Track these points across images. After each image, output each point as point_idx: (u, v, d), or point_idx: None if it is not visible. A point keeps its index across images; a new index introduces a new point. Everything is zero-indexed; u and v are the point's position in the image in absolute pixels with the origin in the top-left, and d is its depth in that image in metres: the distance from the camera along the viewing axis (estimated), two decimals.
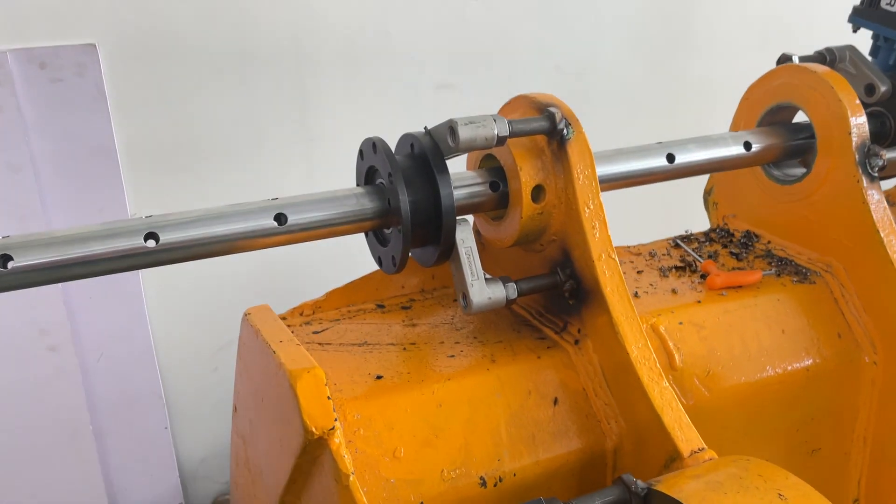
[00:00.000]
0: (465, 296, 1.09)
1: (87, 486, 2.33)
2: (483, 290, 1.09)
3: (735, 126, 1.49)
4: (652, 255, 1.46)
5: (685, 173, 1.30)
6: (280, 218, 1.03)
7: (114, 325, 2.29)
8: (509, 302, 1.11)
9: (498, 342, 1.16)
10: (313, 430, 0.90)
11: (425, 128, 1.12)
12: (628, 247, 1.49)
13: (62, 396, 2.23)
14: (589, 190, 1.10)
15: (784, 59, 1.42)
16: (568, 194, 1.11)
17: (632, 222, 1.69)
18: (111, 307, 2.27)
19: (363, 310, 1.26)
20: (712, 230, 1.55)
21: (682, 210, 1.84)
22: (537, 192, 1.12)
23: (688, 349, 1.21)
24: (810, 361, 1.27)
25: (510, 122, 1.06)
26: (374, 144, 1.10)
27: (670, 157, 1.27)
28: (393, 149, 1.15)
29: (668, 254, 1.46)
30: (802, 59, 1.44)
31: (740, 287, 1.31)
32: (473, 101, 2.54)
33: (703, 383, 1.21)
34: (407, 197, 1.04)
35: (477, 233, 1.28)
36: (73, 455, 2.28)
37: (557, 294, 1.16)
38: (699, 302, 1.27)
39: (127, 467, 2.43)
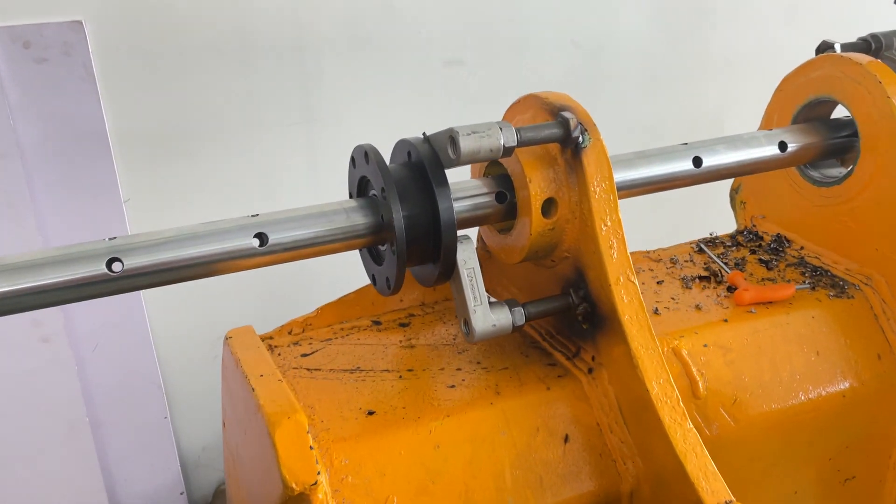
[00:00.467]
0: (467, 322, 0.98)
1: (85, 478, 2.27)
2: (487, 317, 0.98)
3: (768, 120, 1.36)
4: (673, 261, 1.34)
5: (713, 177, 1.18)
6: (261, 237, 0.92)
7: (109, 314, 2.21)
8: (516, 328, 1.00)
9: (503, 369, 1.06)
10: (293, 485, 0.80)
11: (424, 134, 1.00)
12: (647, 252, 1.38)
13: (56, 388, 2.16)
14: (606, 205, 0.98)
15: (824, 48, 1.29)
16: (583, 209, 0.99)
17: (650, 221, 1.57)
18: None
19: (357, 327, 1.16)
20: (739, 232, 1.43)
21: (706, 208, 1.72)
22: (548, 205, 1.01)
23: (713, 374, 1.10)
24: (847, 385, 1.16)
25: (518, 131, 0.94)
26: (366, 153, 0.98)
27: (697, 161, 1.15)
28: (389, 154, 1.04)
29: (692, 260, 1.35)
30: (844, 46, 1.30)
31: (771, 303, 1.19)
32: (484, 77, 2.41)
33: (729, 412, 1.10)
34: (401, 213, 0.93)
35: (481, 241, 1.17)
36: (69, 447, 2.22)
37: (570, 316, 1.05)
38: (726, 321, 1.15)
39: (127, 458, 2.37)
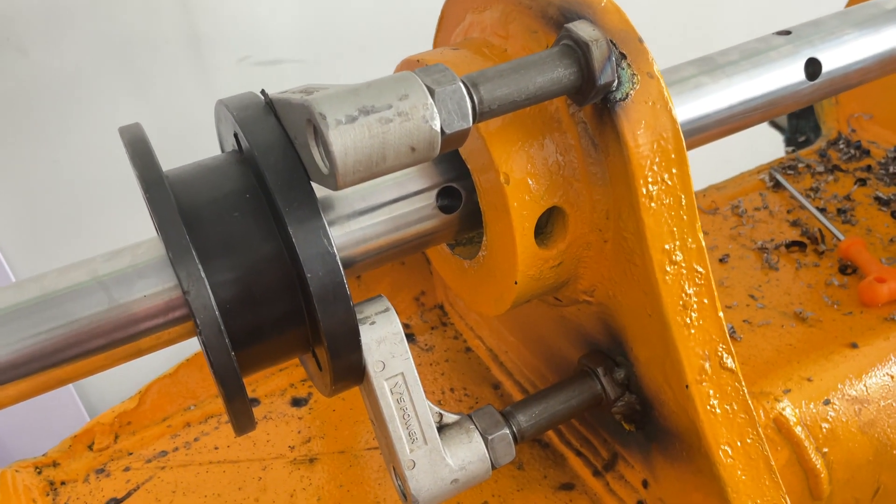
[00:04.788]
0: (400, 478, 0.48)
1: None
2: (437, 465, 0.48)
3: None
4: (738, 210, 0.83)
5: (837, 89, 0.64)
6: None
7: None
8: (497, 466, 0.51)
9: None
10: None
11: (263, 93, 0.45)
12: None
13: None
14: (675, 219, 0.46)
15: None
16: (623, 227, 0.47)
17: None
18: None
19: (215, 418, 0.66)
20: (832, 143, 0.91)
21: None
22: (549, 221, 0.48)
23: (841, 452, 0.63)
24: None
25: (474, 84, 0.40)
26: (132, 146, 0.44)
27: (812, 67, 0.61)
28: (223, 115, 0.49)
29: (766, 206, 0.84)
30: None
31: None
32: None
33: None
34: (205, 281, 0.41)
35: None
36: None
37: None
38: (854, 346, 0.67)
39: (25, 435, 1.94)
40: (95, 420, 0.65)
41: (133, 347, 0.46)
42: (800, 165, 0.88)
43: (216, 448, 0.63)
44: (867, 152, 0.88)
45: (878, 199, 0.82)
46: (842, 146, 0.90)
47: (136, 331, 0.44)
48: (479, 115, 0.40)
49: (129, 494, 0.60)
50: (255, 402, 0.67)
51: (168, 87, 1.62)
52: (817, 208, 0.81)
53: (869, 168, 0.86)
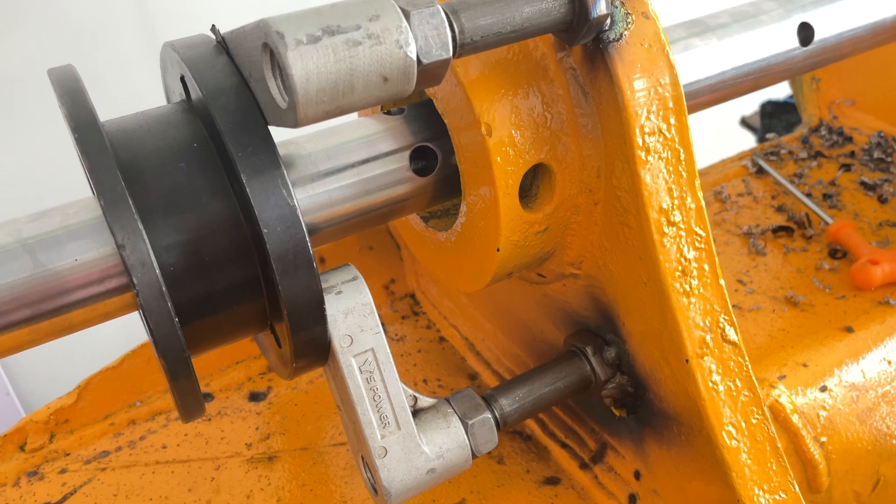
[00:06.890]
0: (370, 469, 0.43)
1: None
2: (411, 454, 0.43)
3: None
4: (721, 196, 0.80)
5: (829, 58, 0.61)
6: None
7: None
8: (478, 455, 0.46)
9: None
10: None
11: (213, 29, 0.40)
12: None
13: None
14: (674, 175, 0.42)
15: None
16: (618, 183, 0.42)
17: None
18: None
19: (165, 415, 0.60)
20: (813, 130, 0.89)
21: None
22: (534, 181, 0.44)
23: (840, 443, 0.60)
24: None
25: (454, 9, 0.35)
26: (61, 85, 0.38)
27: (805, 33, 0.58)
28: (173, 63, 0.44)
29: (750, 192, 0.80)
30: None
31: None
32: None
33: (868, 503, 0.61)
34: (143, 235, 0.35)
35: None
36: None
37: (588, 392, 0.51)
38: (849, 330, 0.63)
39: None
40: (28, 418, 0.58)
41: (63, 321, 0.40)
42: (782, 152, 0.85)
43: (164, 447, 0.57)
44: (850, 138, 0.86)
45: (863, 184, 0.79)
46: (824, 133, 0.87)
47: (67, 301, 0.39)
48: (459, 47, 0.35)
49: (64, 499, 0.53)
50: (209, 397, 0.61)
51: (123, 80, 1.56)
52: (803, 193, 0.78)
53: (852, 154, 0.84)
